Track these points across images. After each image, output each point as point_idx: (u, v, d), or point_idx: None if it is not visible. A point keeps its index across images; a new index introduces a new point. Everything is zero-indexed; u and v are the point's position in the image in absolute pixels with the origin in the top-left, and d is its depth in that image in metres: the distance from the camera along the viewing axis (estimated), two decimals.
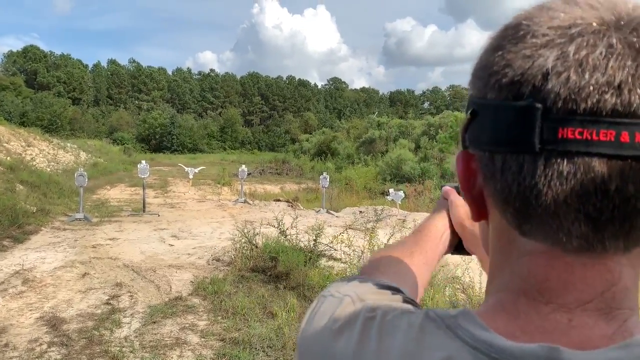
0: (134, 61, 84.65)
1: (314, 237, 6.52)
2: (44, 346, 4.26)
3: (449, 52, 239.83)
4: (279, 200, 15.24)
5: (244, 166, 16.13)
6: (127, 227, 9.90)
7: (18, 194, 11.41)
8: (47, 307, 5.12)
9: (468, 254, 0.88)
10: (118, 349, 4.20)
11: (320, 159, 31.83)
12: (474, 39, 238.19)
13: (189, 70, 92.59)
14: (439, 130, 28.70)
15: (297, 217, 7.39)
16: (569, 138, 0.35)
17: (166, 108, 72.67)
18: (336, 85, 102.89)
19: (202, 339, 4.48)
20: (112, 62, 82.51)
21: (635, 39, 0.35)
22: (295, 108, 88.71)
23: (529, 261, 0.41)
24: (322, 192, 13.58)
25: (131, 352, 4.17)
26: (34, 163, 17.83)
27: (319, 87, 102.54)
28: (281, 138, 71.35)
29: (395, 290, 0.54)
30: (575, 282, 0.39)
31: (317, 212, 12.32)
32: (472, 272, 5.20)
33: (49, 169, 18.30)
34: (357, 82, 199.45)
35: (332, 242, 6.79)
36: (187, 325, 4.78)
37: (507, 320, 0.41)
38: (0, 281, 5.82)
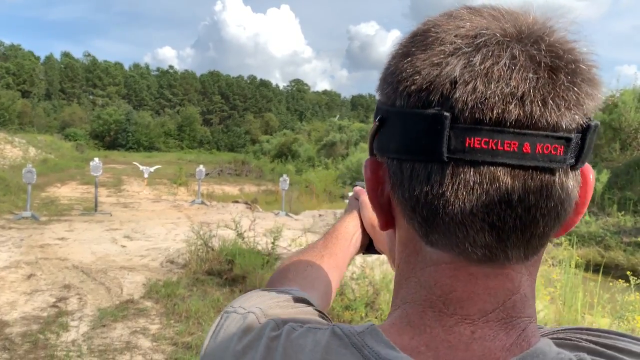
0: (89, 55, 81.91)
1: (272, 240, 6.49)
2: None
3: None
4: (237, 201, 15.09)
5: (201, 166, 15.88)
6: (77, 226, 9.56)
7: None
8: None
9: (379, 253, 0.89)
10: (64, 353, 4.05)
11: (281, 160, 31.80)
12: None
13: (147, 66, 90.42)
14: None
15: (255, 220, 7.34)
16: (475, 147, 0.36)
17: (122, 104, 70.69)
18: (298, 87, 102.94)
19: (154, 344, 4.38)
20: (65, 54, 79.46)
21: (535, 52, 0.36)
22: (256, 108, 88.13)
23: (435, 272, 0.40)
24: (281, 195, 13.54)
25: (78, 356, 4.03)
26: None
27: (281, 88, 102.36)
28: (241, 138, 70.77)
29: (304, 301, 0.52)
30: (479, 293, 0.39)
31: (276, 214, 12.28)
32: None
33: None
34: (320, 85, 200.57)
35: (290, 245, 6.78)
36: (138, 329, 4.66)
37: (412, 335, 0.40)
38: None
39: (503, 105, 0.35)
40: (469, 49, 0.36)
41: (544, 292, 4.66)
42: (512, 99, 0.35)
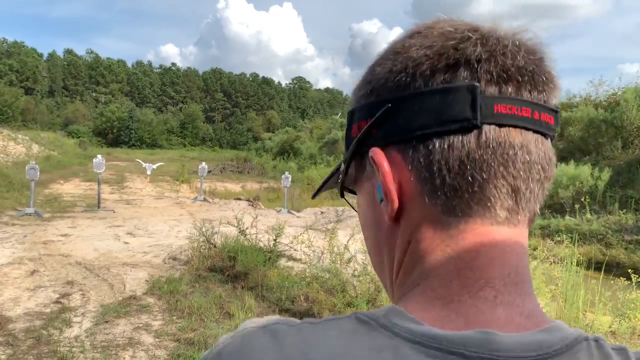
0: (92, 52, 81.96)
1: (274, 237, 6.50)
2: None
3: None
4: (239, 199, 15.12)
5: (204, 163, 15.89)
6: (80, 223, 9.59)
7: None
8: None
9: None
10: (67, 349, 4.07)
11: (283, 158, 31.80)
12: None
13: (150, 63, 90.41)
14: None
15: (257, 217, 7.35)
16: (502, 113, 0.41)
17: (125, 101, 70.81)
18: (300, 84, 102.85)
19: (156, 340, 4.40)
20: (68, 51, 79.53)
21: (526, 41, 0.43)
22: (258, 106, 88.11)
23: (462, 240, 0.41)
24: (283, 192, 13.55)
25: (81, 352, 4.05)
26: None
27: (283, 85, 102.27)
28: (243, 136, 70.77)
29: None
30: (498, 257, 0.41)
31: (278, 211, 12.30)
32: None
33: None
34: (323, 82, 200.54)
35: (292, 242, 6.80)
36: (141, 325, 4.69)
37: (441, 306, 0.41)
38: None
39: (520, 77, 0.41)
40: (479, 36, 0.42)
41: (545, 290, 4.66)
42: (525, 73, 0.41)
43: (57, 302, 5.13)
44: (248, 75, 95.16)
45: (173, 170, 21.65)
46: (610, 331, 4.46)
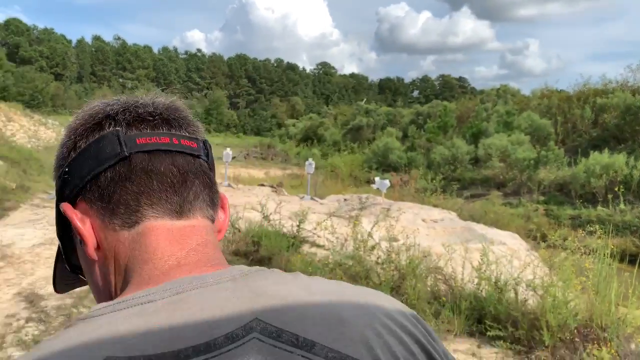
0: (119, 38, 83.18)
1: (298, 223, 6.50)
2: (22, 321, 4.21)
3: (442, 40, 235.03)
4: (263, 185, 15.19)
5: (228, 149, 15.97)
6: None
7: None
8: (25, 284, 5.05)
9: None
10: None
11: (306, 144, 31.80)
12: (468, 28, 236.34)
13: (176, 49, 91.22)
14: (427, 119, 28.82)
15: (281, 203, 7.36)
16: (145, 142, 0.54)
17: (151, 87, 71.49)
18: (325, 70, 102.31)
19: None
20: (96, 38, 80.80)
21: (161, 101, 0.61)
22: (282, 92, 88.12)
23: (144, 239, 0.53)
24: (307, 179, 13.55)
25: None
26: (14, 139, 17.45)
27: (308, 71, 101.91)
28: (267, 122, 71.01)
29: None
30: (178, 239, 0.53)
31: (301, 198, 12.30)
32: (455, 263, 5.25)
33: (29, 145, 17.95)
34: (348, 68, 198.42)
35: (315, 228, 6.79)
36: None
37: (143, 285, 0.50)
38: None
39: (151, 118, 0.56)
40: (119, 101, 0.58)
41: (575, 282, 4.54)
42: (156, 117, 0.57)
43: None
44: (273, 61, 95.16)
45: None
46: None
